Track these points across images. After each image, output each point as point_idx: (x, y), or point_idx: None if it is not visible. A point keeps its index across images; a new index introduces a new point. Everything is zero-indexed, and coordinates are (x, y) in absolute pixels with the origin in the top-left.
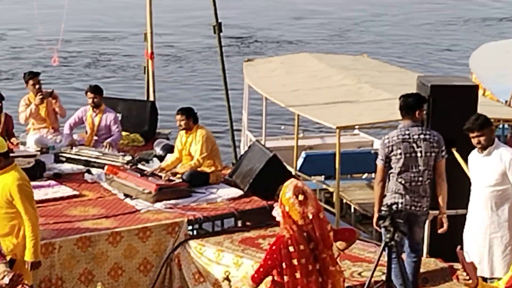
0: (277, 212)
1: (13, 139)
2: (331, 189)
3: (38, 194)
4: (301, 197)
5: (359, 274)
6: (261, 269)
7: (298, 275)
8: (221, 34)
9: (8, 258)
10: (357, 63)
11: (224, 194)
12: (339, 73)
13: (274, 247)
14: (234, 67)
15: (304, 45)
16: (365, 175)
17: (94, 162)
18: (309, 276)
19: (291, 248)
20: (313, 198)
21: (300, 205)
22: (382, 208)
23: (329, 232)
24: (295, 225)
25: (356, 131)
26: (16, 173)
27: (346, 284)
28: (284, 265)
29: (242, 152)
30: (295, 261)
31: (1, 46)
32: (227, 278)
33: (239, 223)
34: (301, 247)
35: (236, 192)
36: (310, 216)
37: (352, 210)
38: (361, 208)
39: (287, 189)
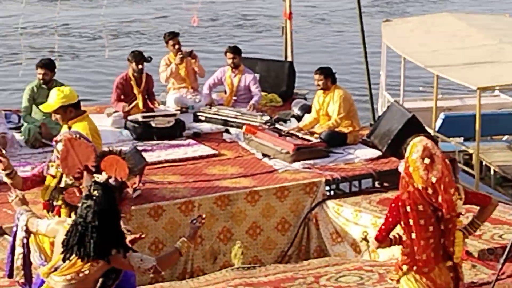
0: (401, 167)
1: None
2: (470, 151)
3: (178, 153)
4: (427, 161)
5: (500, 236)
6: (383, 227)
7: (414, 235)
8: None
9: None
10: (498, 23)
11: (361, 155)
12: (479, 33)
13: (393, 205)
14: (373, 28)
15: (447, 4)
16: (506, 137)
17: (233, 121)
18: (429, 238)
19: (408, 208)
20: (440, 161)
21: (425, 169)
22: None
23: (453, 195)
24: (415, 186)
25: (496, 92)
26: (85, 123)
27: (486, 247)
28: (402, 224)
29: (380, 113)
30: (411, 221)
31: (146, 8)
32: (365, 239)
33: (377, 184)
34: (420, 207)
35: (374, 152)
36: (434, 180)
37: (492, 172)
38: (501, 171)
39: (415, 149)
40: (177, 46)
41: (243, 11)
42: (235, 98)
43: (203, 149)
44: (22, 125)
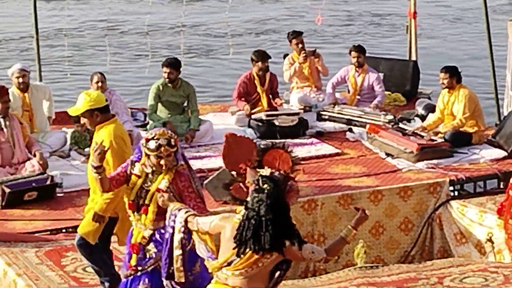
0: None
1: (277, 100)
2: None
3: (301, 152)
4: None
5: None
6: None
7: None
8: None
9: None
10: None
11: (487, 155)
12: None
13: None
14: (499, 27)
15: None
16: None
17: (356, 121)
18: None
19: None
20: None
21: None
22: None
23: None
24: None
25: None
26: (111, 128)
27: None
28: None
29: (506, 113)
30: None
31: (276, 7)
32: (490, 240)
33: (502, 185)
34: None
35: (499, 153)
36: None
37: None
38: None
39: None
40: (300, 45)
41: (367, 10)
42: (358, 97)
43: (326, 148)
44: (148, 123)
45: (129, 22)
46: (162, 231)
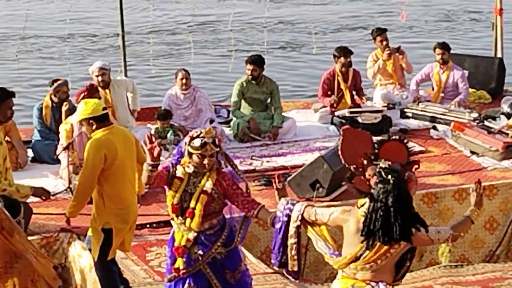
0: None
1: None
2: None
3: None
4: None
5: None
6: None
7: None
8: None
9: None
10: None
11: None
12: None
13: None
14: None
15: None
16: None
17: (440, 118)
18: None
19: None
20: None
21: None
22: None
23: None
24: None
25: None
26: (96, 135)
27: None
28: None
29: None
30: None
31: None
32: None
33: None
34: None
35: None
36: None
37: None
38: None
39: None
40: (384, 42)
41: (453, 7)
42: (442, 94)
43: (410, 146)
44: (231, 119)
45: (213, 18)
46: (207, 232)
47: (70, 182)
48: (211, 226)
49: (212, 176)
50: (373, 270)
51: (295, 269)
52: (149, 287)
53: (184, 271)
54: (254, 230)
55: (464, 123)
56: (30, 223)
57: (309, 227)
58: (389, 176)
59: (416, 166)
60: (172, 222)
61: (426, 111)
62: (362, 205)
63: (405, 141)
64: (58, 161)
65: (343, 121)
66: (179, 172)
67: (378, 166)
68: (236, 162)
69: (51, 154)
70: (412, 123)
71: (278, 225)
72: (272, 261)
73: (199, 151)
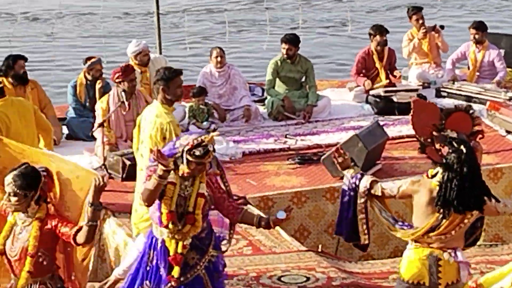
0: None
1: (396, 72)
2: None
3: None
4: None
5: None
6: None
7: None
8: None
9: None
10: None
11: None
12: None
13: None
14: None
15: None
16: None
17: (476, 97)
18: None
19: None
20: None
21: None
22: None
23: None
24: None
25: None
26: None
27: None
28: None
29: None
30: None
31: None
32: None
33: None
34: None
35: None
36: None
37: None
38: None
39: None
40: (420, 21)
41: None
42: (478, 73)
43: (475, 116)
44: (266, 98)
45: None
46: (200, 235)
47: (104, 159)
48: (203, 229)
49: (203, 178)
50: (447, 239)
51: (367, 242)
52: None
53: (182, 279)
54: None
55: (500, 102)
56: None
57: (373, 199)
58: (462, 146)
59: (480, 136)
60: (158, 231)
61: (462, 90)
62: (434, 176)
63: (471, 111)
64: (93, 138)
65: (378, 100)
66: (172, 177)
67: (448, 136)
68: (270, 140)
69: (86, 131)
70: (447, 102)
71: (345, 199)
72: (338, 234)
73: (200, 160)
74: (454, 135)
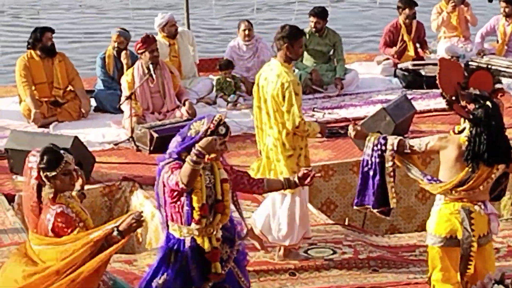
0: None
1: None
2: None
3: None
4: None
5: None
6: None
7: None
8: None
9: None
10: None
11: None
12: None
13: None
14: None
15: None
16: None
17: (504, 71)
18: None
19: None
20: None
21: None
22: None
23: None
24: None
25: None
26: None
27: None
28: None
29: None
30: None
31: None
32: None
33: None
34: None
35: None
36: None
37: None
38: None
39: None
40: None
41: None
42: (507, 47)
43: (494, 74)
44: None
45: None
46: (227, 225)
47: (132, 132)
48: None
49: (219, 163)
50: (475, 193)
51: (395, 206)
52: None
53: (221, 274)
54: (315, 182)
55: None
56: (92, 171)
57: (401, 158)
58: (487, 102)
59: (501, 93)
60: (184, 230)
61: (490, 64)
62: (460, 131)
63: (491, 70)
64: (121, 111)
65: (406, 73)
66: None
67: (473, 94)
68: None
69: (114, 103)
70: None
71: (368, 168)
72: (366, 203)
73: (225, 138)
74: (477, 92)
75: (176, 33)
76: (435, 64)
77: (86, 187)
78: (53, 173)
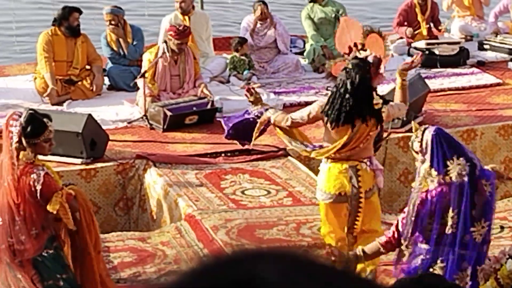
0: None
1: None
2: None
3: (461, 81)
4: None
5: None
6: None
7: None
8: None
9: None
10: None
11: None
12: None
13: None
14: None
15: None
16: None
17: None
18: None
19: None
20: None
21: None
22: None
23: None
24: None
25: None
26: None
27: None
28: None
29: None
30: None
31: None
32: None
33: None
34: None
35: None
36: None
37: None
38: None
39: None
40: None
41: None
42: None
43: (487, 78)
44: (304, 50)
45: None
46: None
47: (146, 110)
48: None
49: None
50: (358, 151)
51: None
52: (223, 214)
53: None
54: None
55: None
56: (106, 149)
57: (278, 130)
58: (350, 65)
59: (385, 61)
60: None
61: (504, 43)
62: None
63: (383, 35)
64: (134, 88)
65: (420, 52)
66: None
67: (355, 56)
68: (311, 92)
69: (127, 80)
70: (490, 56)
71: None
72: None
73: None
74: (364, 55)
75: (185, 10)
76: (449, 43)
77: (100, 164)
78: (36, 141)
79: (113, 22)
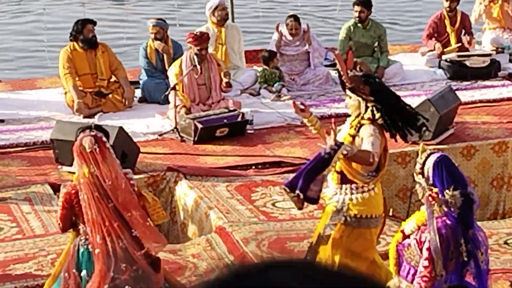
0: None
1: (468, 37)
2: None
3: (492, 93)
4: None
5: None
6: None
7: None
8: None
9: None
10: None
11: None
12: None
13: None
14: None
15: None
16: None
17: None
18: None
19: None
20: None
21: None
22: None
23: None
24: None
25: None
26: None
27: None
28: None
29: None
30: None
31: None
32: None
33: None
34: None
35: None
36: None
37: None
38: None
39: None
40: None
41: None
42: None
43: None
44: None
45: None
46: None
47: (176, 123)
48: None
49: None
50: None
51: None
52: (254, 226)
53: None
54: None
55: None
56: (137, 162)
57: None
58: (376, 79)
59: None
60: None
61: None
62: (371, 118)
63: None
64: (167, 102)
65: (451, 64)
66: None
67: (361, 75)
68: (341, 104)
69: (162, 93)
70: None
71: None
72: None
73: None
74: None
75: (226, 18)
76: (480, 55)
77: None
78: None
79: (158, 36)
